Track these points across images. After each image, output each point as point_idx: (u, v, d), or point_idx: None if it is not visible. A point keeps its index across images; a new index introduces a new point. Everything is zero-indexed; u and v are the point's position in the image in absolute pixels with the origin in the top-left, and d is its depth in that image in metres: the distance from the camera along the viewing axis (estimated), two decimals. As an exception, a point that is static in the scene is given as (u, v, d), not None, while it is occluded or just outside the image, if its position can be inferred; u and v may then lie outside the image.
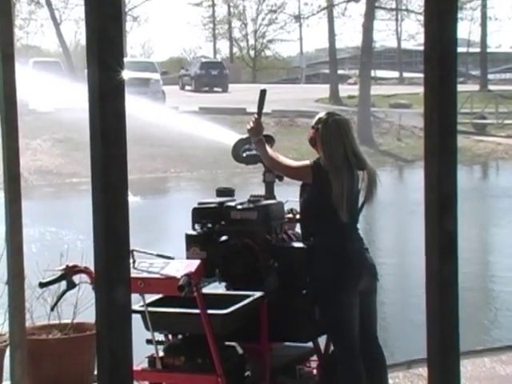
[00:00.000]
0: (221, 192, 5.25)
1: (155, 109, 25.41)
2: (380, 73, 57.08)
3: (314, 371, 5.20)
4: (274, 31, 67.88)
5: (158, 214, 18.91)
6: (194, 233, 5.04)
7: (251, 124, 5.01)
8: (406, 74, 59.61)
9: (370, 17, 36.19)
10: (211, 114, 28.52)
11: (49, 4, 49.43)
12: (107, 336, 1.84)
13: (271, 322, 4.74)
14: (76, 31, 65.46)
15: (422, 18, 38.67)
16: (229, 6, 66.98)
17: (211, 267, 4.87)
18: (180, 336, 4.80)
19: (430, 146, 1.92)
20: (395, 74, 60.65)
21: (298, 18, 55.99)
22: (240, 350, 4.74)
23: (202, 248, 4.95)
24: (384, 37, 62.58)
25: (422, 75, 2.22)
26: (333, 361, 4.94)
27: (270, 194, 5.26)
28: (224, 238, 4.95)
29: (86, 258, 4.41)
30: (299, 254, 4.91)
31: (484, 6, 49.63)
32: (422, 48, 2.03)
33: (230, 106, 33.76)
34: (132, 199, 15.56)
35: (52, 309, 5.07)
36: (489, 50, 54.98)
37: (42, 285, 4.66)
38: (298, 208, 5.11)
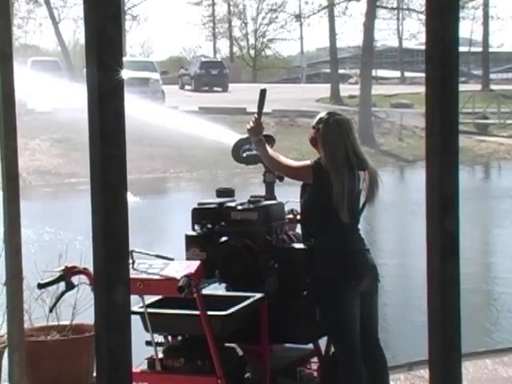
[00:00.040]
0: (221, 192, 5.23)
1: (155, 108, 25.38)
2: (381, 72, 57.04)
3: (315, 373, 5.18)
4: (275, 30, 67.87)
5: (158, 214, 18.88)
6: (193, 233, 5.02)
7: (251, 124, 4.98)
8: (407, 74, 59.57)
9: (371, 16, 36.09)
10: (211, 113, 28.49)
11: (47, 3, 49.37)
12: (106, 337, 1.83)
13: (271, 324, 4.73)
14: (75, 30, 65.58)
15: (423, 16, 38.53)
16: (229, 5, 66.99)
17: (211, 268, 4.86)
18: (180, 337, 4.79)
19: (432, 146, 1.91)
20: (396, 74, 60.59)
21: (298, 17, 56.11)
22: (240, 352, 4.73)
23: (202, 249, 4.94)
24: (385, 36, 62.76)
25: (423, 75, 2.23)
26: (333, 362, 4.93)
27: (270, 194, 5.25)
28: (224, 238, 4.94)
29: (85, 258, 4.41)
30: (300, 255, 4.90)
31: (486, 5, 49.58)
32: (423, 47, 2.04)
33: (230, 105, 33.75)
34: (131, 199, 15.56)
35: (51, 310, 5.07)
36: (491, 50, 54.79)
37: (41, 286, 4.65)
38: (298, 208, 5.10)
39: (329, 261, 4.80)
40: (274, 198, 5.20)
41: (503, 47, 71.94)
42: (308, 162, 4.90)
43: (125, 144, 1.84)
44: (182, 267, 4.50)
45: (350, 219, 4.83)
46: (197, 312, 4.45)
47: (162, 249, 5.31)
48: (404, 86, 50.14)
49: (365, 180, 4.92)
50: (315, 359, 5.19)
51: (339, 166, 4.80)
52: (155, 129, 21.23)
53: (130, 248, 2.32)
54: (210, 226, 4.99)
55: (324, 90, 42.27)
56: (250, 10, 78.82)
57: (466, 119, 34.04)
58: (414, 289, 10.78)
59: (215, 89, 44.55)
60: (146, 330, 4.63)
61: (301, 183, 4.97)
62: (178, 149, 26.04)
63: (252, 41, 69.07)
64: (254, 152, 5.15)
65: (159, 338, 4.80)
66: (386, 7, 49.24)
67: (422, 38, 44.35)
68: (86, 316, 5.31)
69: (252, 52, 69.01)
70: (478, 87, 46.87)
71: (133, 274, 4.33)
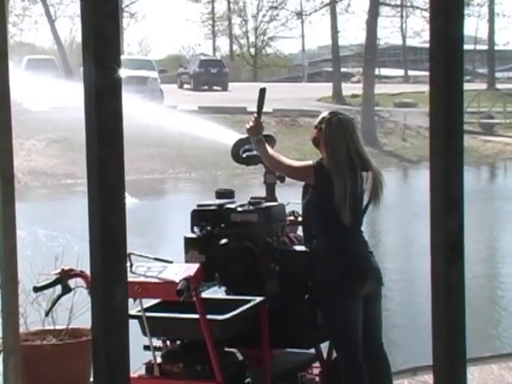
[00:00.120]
0: (220, 194, 5.19)
1: (153, 108, 25.38)
2: (384, 71, 56.97)
3: (317, 378, 5.16)
4: (275, 28, 67.71)
5: (156, 216, 18.86)
6: (192, 236, 4.98)
7: (250, 123, 4.94)
8: (411, 72, 59.45)
9: (374, 13, 35.99)
10: (211, 113, 28.50)
11: (43, 0, 49.34)
12: (103, 342, 1.83)
13: (272, 328, 4.70)
14: (71, 28, 65.53)
15: (427, 14, 38.57)
16: (228, 2, 66.83)
17: (211, 271, 4.82)
18: (178, 342, 4.77)
19: (436, 147, 1.89)
20: (400, 72, 60.42)
21: (299, 14, 56.00)
22: (240, 357, 4.71)
23: (202, 251, 4.90)
24: (388, 34, 62.82)
25: (427, 73, 2.24)
26: (335, 367, 4.92)
27: (270, 195, 5.22)
28: (224, 241, 4.89)
29: (82, 261, 4.35)
30: (301, 258, 4.87)
31: (491, 2, 49.57)
32: (427, 45, 2.02)
33: (229, 105, 33.76)
34: (129, 201, 15.50)
35: (47, 314, 5.05)
36: (496, 48, 54.74)
37: (37, 289, 4.65)
38: (299, 210, 5.06)
39: (331, 263, 4.76)
40: (275, 200, 5.18)
41: (509, 45, 71.85)
42: (310, 162, 4.86)
43: (122, 144, 1.83)
44: (180, 270, 4.49)
45: (352, 221, 4.79)
46: (196, 316, 4.43)
47: (161, 251, 5.28)
48: (408, 85, 50.10)
49: (368, 181, 4.88)
50: (317, 364, 5.16)
51: (341, 167, 4.75)
52: (153, 129, 21.21)
53: (128, 250, 2.29)
54: (209, 228, 4.95)
55: (326, 88, 42.19)
56: (250, 8, 78.67)
57: (471, 119, 33.95)
58: (417, 293, 10.70)
59: (215, 88, 44.51)
60: (144, 334, 4.62)
61: (302, 184, 4.93)
62: (176, 149, 26.02)
63: (252, 39, 68.95)
64: (254, 152, 5.11)
65: (158, 343, 4.78)
66: (389, 4, 48.88)
67: (426, 35, 44.23)
68: (83, 320, 5.28)
69: (252, 50, 68.84)
70: (484, 86, 46.67)
71: (131, 277, 4.36)
